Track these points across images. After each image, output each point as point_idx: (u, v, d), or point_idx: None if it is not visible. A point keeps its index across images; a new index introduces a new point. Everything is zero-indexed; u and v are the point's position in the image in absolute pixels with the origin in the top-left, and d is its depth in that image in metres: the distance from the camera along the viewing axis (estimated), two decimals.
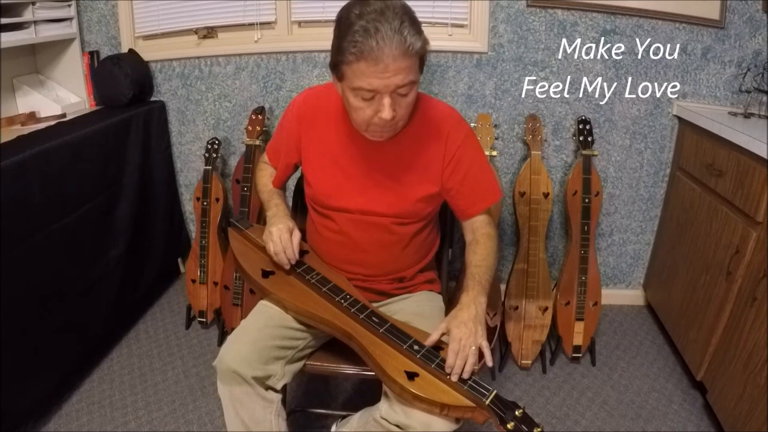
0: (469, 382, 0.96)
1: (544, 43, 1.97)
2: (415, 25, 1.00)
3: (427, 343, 1.04)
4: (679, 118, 2.02)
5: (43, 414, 1.63)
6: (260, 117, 1.98)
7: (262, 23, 2.07)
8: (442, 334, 1.05)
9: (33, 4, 1.79)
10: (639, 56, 1.96)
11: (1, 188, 1.34)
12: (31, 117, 1.86)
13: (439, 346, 1.05)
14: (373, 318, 1.09)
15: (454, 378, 0.97)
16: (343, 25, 1.00)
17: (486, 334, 1.04)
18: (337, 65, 1.03)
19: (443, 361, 0.99)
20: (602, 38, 1.95)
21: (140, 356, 1.95)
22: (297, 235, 1.22)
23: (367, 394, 1.73)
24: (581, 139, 1.90)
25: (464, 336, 1.01)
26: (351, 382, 1.83)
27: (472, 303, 1.07)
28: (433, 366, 0.99)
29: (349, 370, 1.24)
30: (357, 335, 1.06)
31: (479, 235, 1.23)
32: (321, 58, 2.07)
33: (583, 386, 1.84)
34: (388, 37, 0.95)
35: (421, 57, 1.02)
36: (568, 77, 2.01)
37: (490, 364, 1.01)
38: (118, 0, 2.07)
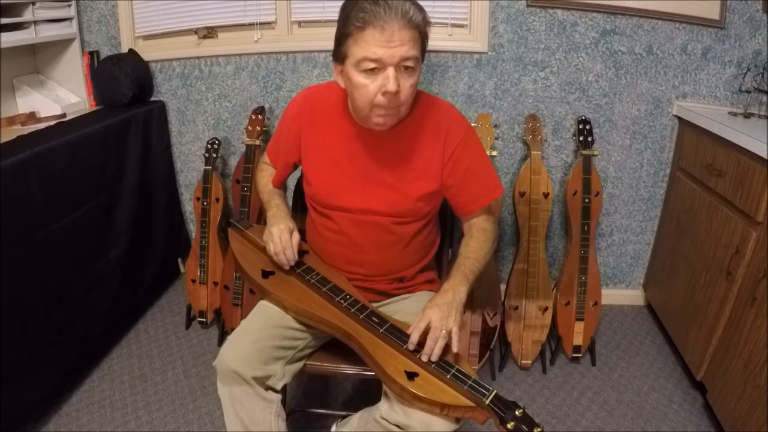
0: (469, 382, 0.96)
1: (544, 43, 1.97)
2: (418, 4, 1.04)
3: (409, 331, 1.04)
4: (679, 118, 2.02)
5: (43, 414, 1.62)
6: (260, 117, 1.98)
7: (262, 23, 2.07)
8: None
9: (33, 4, 1.79)
10: (639, 56, 1.96)
11: (1, 188, 1.34)
12: (31, 117, 1.86)
13: None
14: (373, 318, 1.09)
15: (424, 358, 0.99)
16: (349, 3, 1.04)
17: (460, 322, 1.04)
18: (341, 41, 1.05)
19: (444, 361, 0.99)
20: (602, 38, 1.95)
21: (140, 356, 1.95)
22: (296, 236, 1.22)
23: (367, 394, 1.73)
24: (581, 139, 1.90)
25: (435, 318, 1.02)
26: (351, 382, 1.83)
27: (451, 290, 1.08)
28: (433, 366, 0.99)
29: (349, 370, 1.24)
30: (357, 335, 1.06)
31: (474, 230, 1.24)
32: (321, 58, 2.07)
33: (583, 386, 1.84)
34: (395, 7, 0.99)
35: (422, 37, 1.05)
36: (568, 77, 2.01)
37: (455, 350, 1.02)
38: (118, 0, 2.07)
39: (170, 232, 2.29)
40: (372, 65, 1.02)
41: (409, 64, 1.03)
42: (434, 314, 1.03)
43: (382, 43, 0.99)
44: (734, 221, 1.55)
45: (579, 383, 1.85)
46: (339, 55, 1.08)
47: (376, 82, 1.04)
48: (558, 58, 1.99)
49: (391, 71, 1.02)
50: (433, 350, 0.99)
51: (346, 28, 1.03)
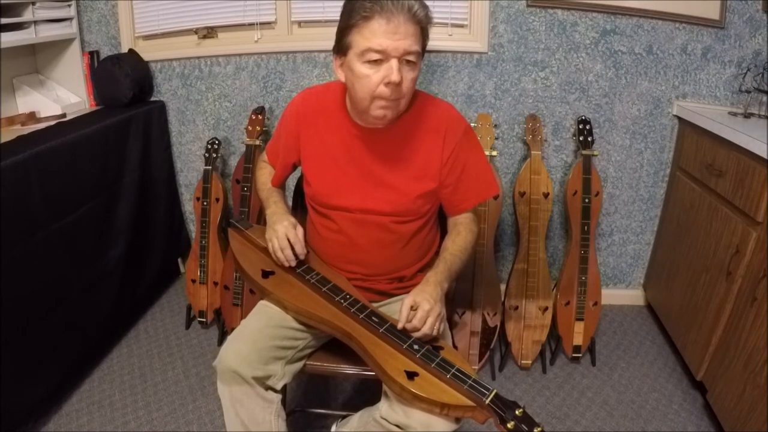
0: (469, 381, 0.96)
1: (544, 43, 1.97)
2: (422, 2, 1.06)
3: (399, 326, 1.06)
4: (679, 118, 2.02)
5: (43, 414, 1.63)
6: (260, 117, 1.98)
7: (262, 23, 2.07)
8: (411, 308, 1.06)
9: (33, 4, 1.79)
10: (639, 56, 1.96)
11: (1, 188, 1.34)
12: (31, 117, 1.86)
13: (439, 346, 1.05)
14: (373, 318, 1.09)
15: (418, 334, 1.04)
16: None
17: (445, 315, 1.11)
18: (344, 32, 1.06)
19: (444, 360, 0.99)
20: (602, 38, 1.95)
21: (140, 356, 1.95)
22: (301, 230, 1.22)
23: (367, 394, 1.73)
24: (581, 139, 1.90)
25: (419, 299, 1.06)
26: (351, 382, 1.83)
27: (433, 278, 1.12)
28: (433, 365, 0.99)
29: (349, 370, 1.24)
30: (357, 335, 1.06)
31: (462, 228, 1.26)
32: (321, 58, 2.07)
33: (583, 386, 1.84)
34: (401, 1, 1.01)
35: (424, 34, 1.07)
36: (568, 77, 2.01)
37: (435, 333, 1.06)
38: (118, 0, 2.07)
39: (170, 232, 2.29)
40: (376, 56, 1.03)
41: (411, 58, 1.05)
42: (418, 296, 1.07)
43: (387, 34, 1.01)
44: (734, 221, 1.55)
45: (579, 383, 1.85)
46: (341, 46, 1.09)
47: (379, 73, 1.05)
48: (558, 58, 1.99)
49: (394, 62, 1.03)
50: (425, 323, 1.03)
51: (350, 19, 1.04)
